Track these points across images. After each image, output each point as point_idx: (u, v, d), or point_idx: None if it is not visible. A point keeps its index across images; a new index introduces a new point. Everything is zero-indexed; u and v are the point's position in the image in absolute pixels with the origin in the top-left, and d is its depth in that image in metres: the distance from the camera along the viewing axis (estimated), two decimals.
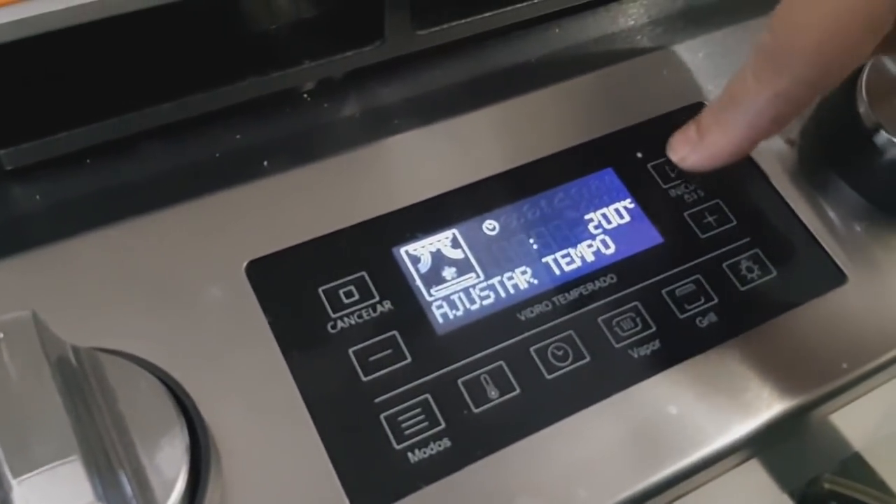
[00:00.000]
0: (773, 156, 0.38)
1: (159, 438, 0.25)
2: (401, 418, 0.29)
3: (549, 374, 0.31)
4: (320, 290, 0.31)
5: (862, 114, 0.36)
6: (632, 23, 0.43)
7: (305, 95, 0.38)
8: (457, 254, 0.33)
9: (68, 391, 0.23)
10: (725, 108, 0.30)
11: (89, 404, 0.23)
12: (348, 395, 0.30)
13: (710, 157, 0.31)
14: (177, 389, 0.27)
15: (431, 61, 0.39)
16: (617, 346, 0.32)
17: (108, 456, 0.23)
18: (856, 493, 0.54)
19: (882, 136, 0.35)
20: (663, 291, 0.34)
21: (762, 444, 0.34)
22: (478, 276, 0.33)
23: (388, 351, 0.31)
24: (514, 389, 0.31)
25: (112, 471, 0.23)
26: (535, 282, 0.33)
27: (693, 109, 0.38)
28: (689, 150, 0.31)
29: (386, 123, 0.37)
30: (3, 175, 0.33)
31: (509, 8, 0.39)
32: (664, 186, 0.36)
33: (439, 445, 0.29)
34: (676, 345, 0.33)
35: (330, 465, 0.28)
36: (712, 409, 0.32)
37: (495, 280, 0.33)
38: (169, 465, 0.24)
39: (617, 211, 0.35)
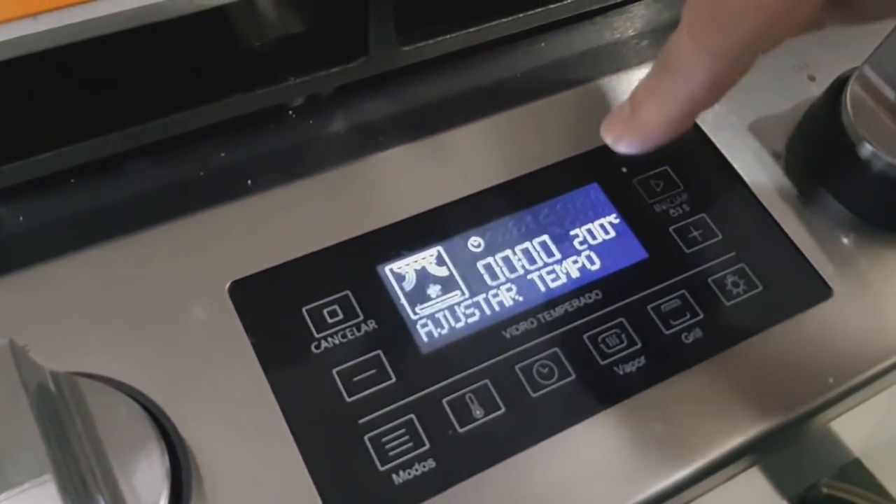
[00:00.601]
0: (759, 169, 0.38)
1: (139, 463, 0.25)
2: (385, 439, 0.29)
3: (535, 392, 0.31)
4: (304, 309, 0.31)
5: (847, 126, 0.36)
6: (618, 36, 0.43)
7: (291, 112, 0.38)
8: (442, 271, 0.33)
9: (46, 419, 0.22)
10: (659, 76, 0.26)
11: (68, 431, 0.23)
12: (332, 416, 0.29)
13: (645, 135, 0.27)
14: (157, 413, 0.26)
15: (417, 77, 0.39)
16: (602, 363, 0.32)
17: (85, 482, 0.23)
18: (854, 497, 0.54)
19: (867, 149, 0.35)
20: (649, 307, 0.34)
21: (753, 458, 0.33)
22: (463, 294, 0.33)
23: (373, 371, 0.31)
24: (500, 408, 0.31)
25: (90, 496, 0.23)
26: (521, 299, 0.33)
27: None
28: (623, 129, 0.28)
29: (371, 140, 0.37)
30: None
31: (495, 23, 0.39)
32: (649, 201, 0.36)
33: (424, 466, 0.29)
34: (662, 361, 0.32)
35: (313, 488, 0.28)
36: (698, 426, 0.32)
37: (480, 297, 0.33)
38: (149, 491, 0.24)
39: (602, 226, 0.35)
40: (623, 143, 0.28)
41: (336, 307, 0.32)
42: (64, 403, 0.24)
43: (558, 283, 0.34)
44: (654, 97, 0.27)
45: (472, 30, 0.38)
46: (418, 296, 0.33)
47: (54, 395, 0.24)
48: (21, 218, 0.33)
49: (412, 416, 0.30)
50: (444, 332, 0.32)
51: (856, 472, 0.55)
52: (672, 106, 0.26)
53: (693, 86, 0.25)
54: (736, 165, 0.38)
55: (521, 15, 0.39)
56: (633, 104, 0.27)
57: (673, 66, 0.26)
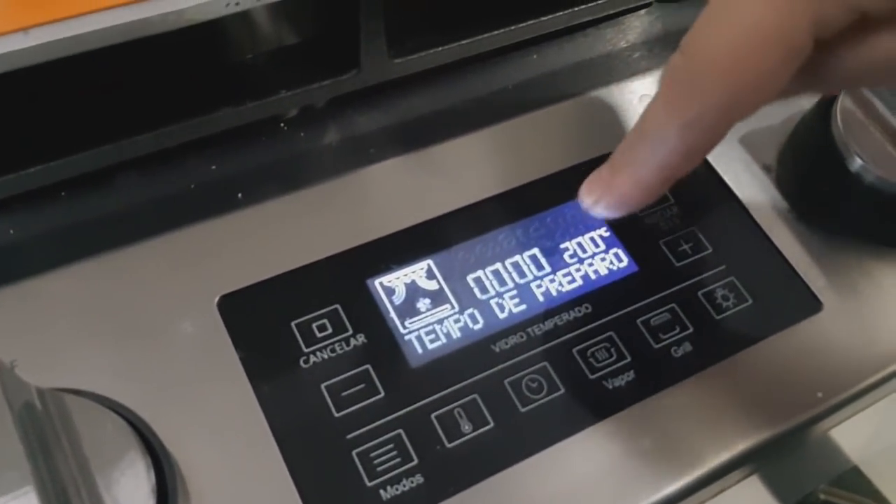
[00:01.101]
0: (749, 182, 0.38)
1: (125, 480, 0.25)
2: (373, 454, 0.29)
3: (524, 406, 0.31)
4: (293, 324, 0.31)
5: (837, 140, 0.36)
6: (610, 48, 0.43)
7: (282, 125, 0.38)
8: (431, 285, 0.33)
9: (32, 437, 0.22)
10: (634, 144, 0.27)
11: (53, 449, 0.23)
12: (320, 431, 0.29)
13: (622, 200, 0.28)
14: (144, 429, 0.26)
15: (408, 89, 0.39)
16: (591, 377, 0.32)
17: (69, 500, 0.23)
18: (851, 503, 0.54)
19: (857, 163, 0.35)
20: (638, 321, 0.34)
21: (748, 468, 0.34)
22: (452, 308, 0.33)
23: (361, 385, 0.31)
24: (488, 423, 0.31)
25: None
26: (510, 312, 0.33)
27: None
28: (601, 193, 0.28)
29: (362, 153, 0.37)
30: None
31: (486, 35, 0.39)
32: (639, 214, 0.36)
33: (412, 482, 0.29)
34: (651, 375, 0.32)
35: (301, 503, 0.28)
36: (687, 440, 0.32)
37: (470, 311, 0.33)
38: None
39: (592, 239, 0.35)
40: (600, 207, 0.28)
41: (325, 321, 0.32)
42: (49, 421, 0.24)
43: (548, 296, 0.34)
44: (631, 164, 0.27)
45: (463, 42, 0.38)
46: (408, 309, 0.33)
47: (40, 412, 0.24)
48: (11, 231, 0.33)
49: (400, 431, 0.30)
50: (434, 346, 0.32)
51: (854, 480, 0.55)
52: (647, 173, 0.26)
53: (667, 154, 0.25)
54: (727, 178, 0.38)
55: (512, 27, 0.39)
56: (611, 169, 0.28)
57: (647, 135, 0.26)
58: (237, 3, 0.31)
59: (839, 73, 0.24)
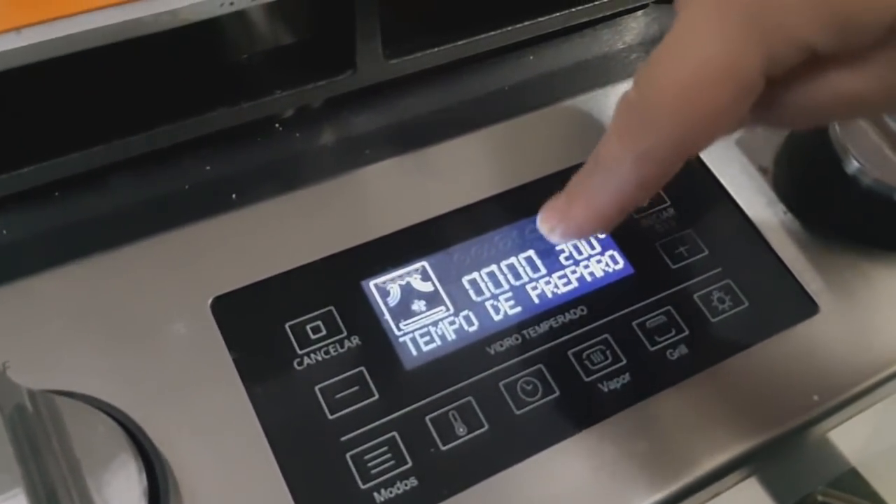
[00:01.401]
0: (746, 184, 0.38)
1: (116, 483, 0.25)
2: (367, 457, 0.29)
3: (518, 409, 0.31)
4: (287, 325, 0.31)
5: (834, 142, 0.36)
6: (606, 49, 0.43)
7: (277, 125, 0.38)
8: (426, 286, 0.33)
9: (22, 440, 0.22)
10: (591, 173, 0.27)
11: (43, 451, 0.23)
12: (314, 433, 0.29)
13: (578, 228, 0.28)
14: (135, 431, 0.26)
15: (404, 90, 0.39)
16: (587, 379, 0.32)
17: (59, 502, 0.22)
18: None
19: (853, 165, 0.35)
20: (634, 323, 0.33)
21: (744, 471, 0.33)
22: (447, 310, 0.33)
23: (356, 388, 0.30)
24: (483, 426, 0.30)
25: None
26: (505, 314, 0.33)
27: None
28: (557, 221, 0.29)
29: (358, 154, 0.37)
30: None
31: (482, 36, 0.39)
32: (636, 216, 0.36)
33: (406, 485, 0.29)
34: (647, 378, 0.32)
35: None
36: (683, 443, 0.31)
37: (465, 313, 0.33)
38: None
39: (588, 242, 0.35)
40: (557, 234, 0.29)
41: (319, 323, 0.32)
42: (41, 423, 0.24)
43: (543, 298, 0.34)
44: (586, 193, 0.27)
45: (459, 43, 0.38)
46: (403, 311, 0.32)
47: (31, 414, 0.24)
48: (4, 231, 0.33)
49: (395, 433, 0.30)
50: (428, 348, 0.32)
51: (852, 482, 0.55)
52: (602, 202, 0.27)
53: (621, 185, 0.26)
54: (723, 181, 0.38)
55: (509, 28, 0.39)
56: (567, 198, 0.28)
57: (602, 166, 0.26)
58: (231, 3, 0.30)
59: (793, 109, 0.24)
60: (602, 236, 0.35)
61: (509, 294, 0.33)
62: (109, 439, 0.25)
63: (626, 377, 0.32)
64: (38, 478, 0.22)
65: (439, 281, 0.33)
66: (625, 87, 0.40)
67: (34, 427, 0.23)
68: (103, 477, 0.24)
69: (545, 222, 0.29)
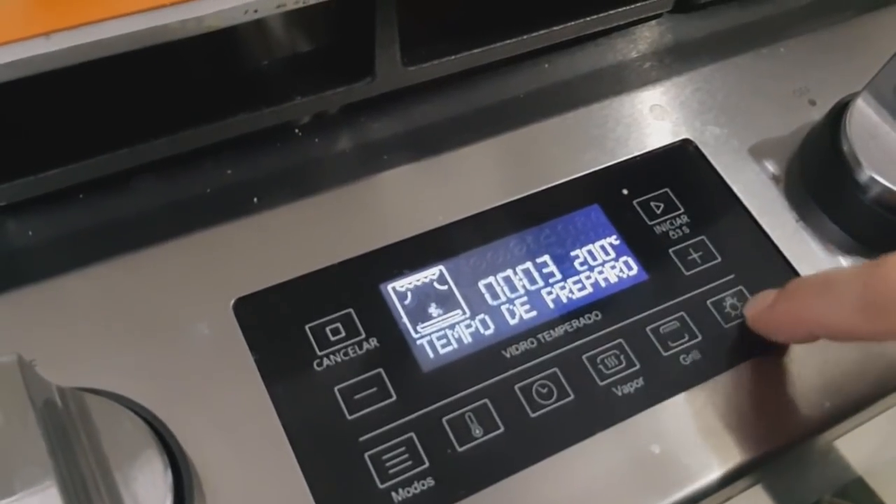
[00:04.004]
0: (758, 192, 0.38)
1: (143, 479, 0.25)
2: (385, 457, 0.30)
3: (534, 412, 0.31)
4: (307, 327, 0.32)
5: (845, 152, 0.36)
6: (621, 58, 0.43)
7: (297, 131, 0.38)
8: (443, 290, 0.34)
9: (53, 435, 0.23)
10: (817, 292, 0.30)
11: (73, 446, 0.24)
12: (333, 433, 0.30)
13: (774, 327, 0.32)
14: (161, 429, 0.27)
15: (421, 97, 0.40)
16: (601, 383, 0.32)
17: (89, 496, 0.23)
18: None
19: (864, 174, 0.36)
20: (647, 329, 0.34)
21: (754, 477, 0.34)
22: (464, 313, 0.33)
23: (374, 389, 0.31)
24: (499, 428, 0.31)
25: None
26: (521, 318, 0.34)
27: (680, 146, 0.39)
28: (760, 310, 0.32)
29: (376, 159, 0.37)
30: None
31: (498, 44, 0.39)
32: (649, 223, 0.37)
33: (423, 485, 0.29)
34: (660, 383, 0.33)
35: None
36: (695, 448, 0.32)
37: (481, 317, 0.33)
38: None
39: (602, 247, 0.36)
40: (751, 322, 0.33)
41: (338, 325, 0.32)
42: (70, 419, 0.25)
43: (558, 303, 0.34)
44: (798, 304, 0.31)
45: (476, 51, 0.39)
46: (420, 314, 0.33)
47: (61, 410, 0.24)
48: (30, 233, 0.34)
49: (412, 434, 0.30)
50: (445, 351, 0.32)
51: (859, 490, 0.56)
52: (807, 319, 0.30)
53: (836, 322, 0.29)
54: (736, 188, 0.38)
55: (524, 36, 0.40)
56: (779, 296, 0.32)
57: (831, 292, 0.29)
58: (255, 11, 0.31)
59: None
60: (616, 243, 0.36)
61: (525, 298, 0.34)
62: (136, 436, 0.26)
63: (640, 382, 0.33)
64: (69, 471, 0.23)
65: (456, 285, 0.34)
66: (639, 95, 0.41)
67: (64, 422, 0.24)
68: (130, 473, 0.25)
69: (750, 307, 0.33)
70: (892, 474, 0.58)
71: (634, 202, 0.37)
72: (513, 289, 0.34)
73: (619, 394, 0.32)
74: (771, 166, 0.39)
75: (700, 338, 0.34)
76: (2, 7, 0.29)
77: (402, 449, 0.30)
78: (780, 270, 0.36)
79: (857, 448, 0.47)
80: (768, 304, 0.32)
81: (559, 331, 0.33)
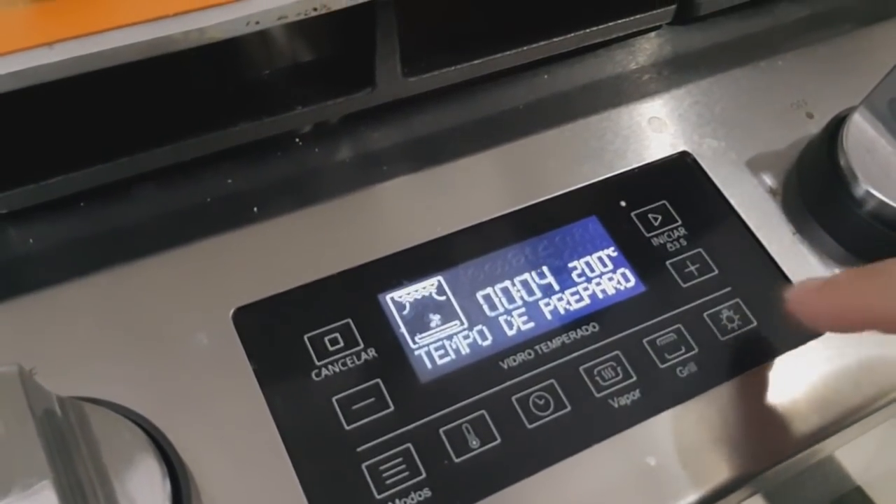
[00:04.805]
0: (755, 205, 0.38)
1: (141, 488, 0.25)
2: (382, 468, 0.30)
3: (530, 423, 0.32)
4: (306, 337, 0.32)
5: (842, 165, 0.37)
6: (619, 70, 0.43)
7: (297, 140, 0.39)
8: (442, 301, 0.34)
9: (52, 444, 0.23)
10: (870, 277, 0.29)
11: (73, 455, 0.24)
12: (331, 443, 0.30)
13: (820, 312, 0.30)
14: (160, 439, 0.27)
15: (421, 107, 0.40)
16: (598, 395, 0.33)
17: None
18: None
19: (861, 188, 0.36)
20: (644, 341, 0.34)
21: (751, 489, 0.34)
22: (462, 324, 0.34)
23: (372, 399, 0.31)
24: (495, 439, 0.31)
25: None
26: (519, 330, 0.34)
27: (678, 159, 0.39)
28: (806, 295, 0.31)
29: (376, 169, 0.38)
30: None
31: (498, 55, 0.39)
32: (647, 235, 0.37)
33: (420, 495, 0.30)
34: (656, 395, 0.33)
35: None
36: (692, 460, 0.32)
37: (479, 328, 0.34)
38: None
39: (600, 259, 0.36)
40: (792, 307, 0.31)
41: (337, 335, 0.32)
42: (69, 428, 0.25)
43: (556, 314, 0.34)
44: (843, 289, 0.30)
45: (475, 62, 0.39)
46: (418, 325, 0.33)
47: (60, 419, 0.24)
48: (31, 241, 0.34)
49: (409, 445, 0.30)
50: (443, 361, 0.33)
51: (856, 501, 0.56)
52: (852, 305, 0.29)
53: (882, 311, 0.28)
54: (733, 201, 0.38)
55: (524, 48, 0.40)
56: (825, 283, 0.30)
57: (880, 277, 0.29)
58: (257, 23, 0.31)
59: None
60: (614, 254, 0.36)
61: (522, 310, 0.34)
62: (135, 446, 0.26)
63: (636, 394, 0.33)
64: (68, 480, 0.23)
65: (454, 296, 0.34)
66: (637, 107, 0.42)
67: (63, 432, 0.24)
68: (129, 481, 0.25)
69: (793, 294, 0.31)
70: (890, 484, 0.58)
71: (632, 214, 0.37)
72: (511, 300, 0.34)
73: (616, 406, 0.33)
74: (768, 179, 0.39)
75: (696, 350, 0.34)
76: (5, 17, 0.29)
77: (400, 460, 0.30)
78: (776, 283, 0.37)
79: (856, 458, 0.47)
80: (815, 289, 0.30)
81: (556, 342, 0.34)
